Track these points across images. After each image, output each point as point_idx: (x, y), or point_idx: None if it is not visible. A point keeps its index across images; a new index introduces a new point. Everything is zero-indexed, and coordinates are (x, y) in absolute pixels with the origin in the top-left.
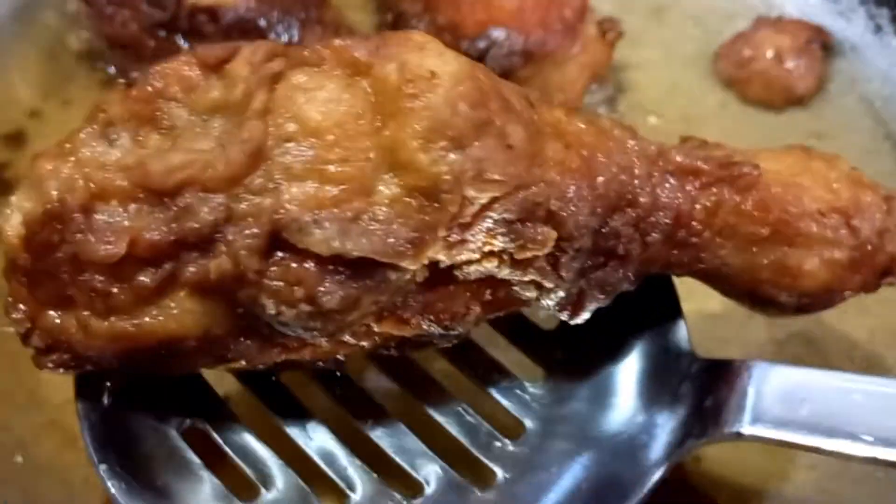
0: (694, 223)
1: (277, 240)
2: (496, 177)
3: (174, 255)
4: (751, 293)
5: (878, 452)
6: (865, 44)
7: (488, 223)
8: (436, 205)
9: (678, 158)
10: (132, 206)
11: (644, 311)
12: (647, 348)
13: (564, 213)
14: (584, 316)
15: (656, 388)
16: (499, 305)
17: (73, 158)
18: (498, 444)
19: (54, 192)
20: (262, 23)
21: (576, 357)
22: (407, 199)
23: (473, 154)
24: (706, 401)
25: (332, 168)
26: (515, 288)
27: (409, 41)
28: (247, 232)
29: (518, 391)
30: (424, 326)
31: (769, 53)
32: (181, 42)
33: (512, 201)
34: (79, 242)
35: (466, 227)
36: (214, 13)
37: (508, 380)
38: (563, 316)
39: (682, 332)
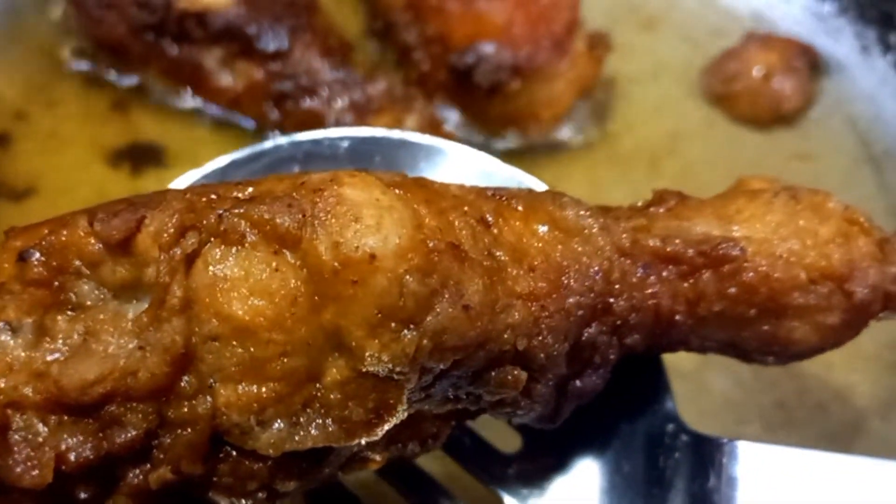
0: (676, 317)
1: (221, 438)
2: (456, 343)
3: (108, 465)
4: (738, 357)
5: None
6: (852, 64)
7: (452, 379)
8: (392, 381)
9: (654, 244)
10: (51, 419)
11: (628, 376)
12: (631, 416)
13: (535, 348)
14: (562, 419)
15: (642, 461)
16: (471, 416)
17: None
18: None
19: None
20: (252, 30)
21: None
22: (360, 379)
23: (429, 328)
24: (694, 484)
25: (270, 364)
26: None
27: (339, 206)
28: (184, 438)
29: (500, 467)
30: (395, 454)
31: (757, 71)
32: (169, 46)
33: (475, 358)
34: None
35: (428, 387)
36: (203, 18)
37: (488, 454)
38: (541, 425)
39: (669, 402)
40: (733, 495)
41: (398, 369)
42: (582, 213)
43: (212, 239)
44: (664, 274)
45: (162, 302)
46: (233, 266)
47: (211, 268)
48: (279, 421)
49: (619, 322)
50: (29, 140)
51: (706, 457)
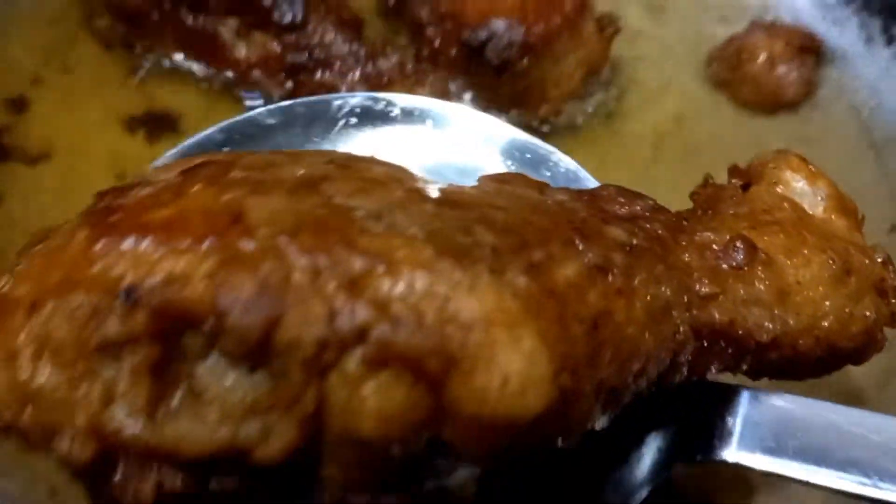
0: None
1: None
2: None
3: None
4: None
5: (869, 491)
6: (856, 53)
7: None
8: None
9: (721, 323)
10: (154, 462)
11: None
12: None
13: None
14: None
15: (644, 405)
16: None
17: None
18: None
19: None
20: (267, 1)
21: None
22: None
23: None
24: (695, 424)
25: (378, 464)
26: None
27: (489, 358)
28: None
29: None
30: None
31: (762, 58)
32: (185, 16)
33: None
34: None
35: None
36: None
37: None
38: None
39: None
40: (735, 432)
41: None
42: (672, 291)
43: (351, 351)
44: (718, 349)
45: (290, 403)
46: (371, 391)
47: (348, 387)
48: (371, 490)
49: (666, 385)
50: (45, 105)
51: (711, 399)
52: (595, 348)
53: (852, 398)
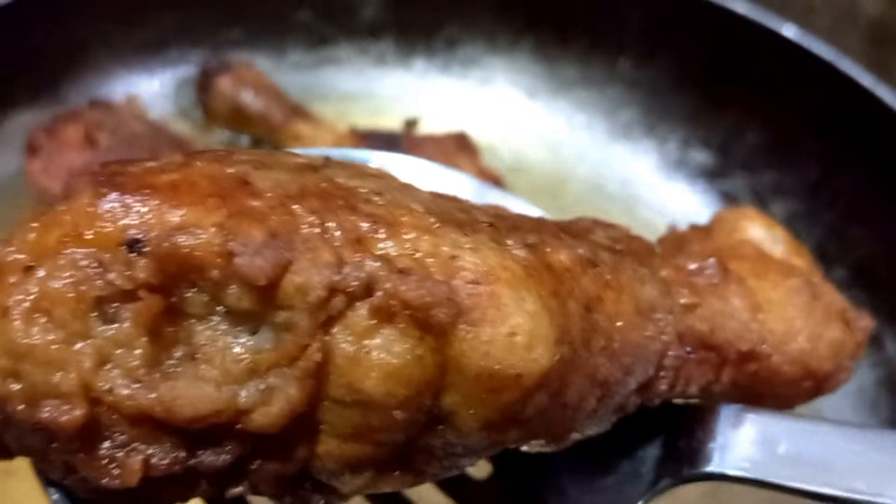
0: (690, 390)
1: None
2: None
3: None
4: None
5: (853, 494)
6: None
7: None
8: None
9: (702, 330)
10: (144, 427)
11: None
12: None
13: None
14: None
15: (628, 430)
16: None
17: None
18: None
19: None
20: None
21: None
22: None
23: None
24: (680, 441)
25: (379, 434)
26: None
27: (493, 309)
28: (273, 469)
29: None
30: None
31: None
32: None
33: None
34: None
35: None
36: None
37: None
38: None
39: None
40: (718, 445)
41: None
42: (656, 293)
43: (357, 303)
44: (701, 358)
45: (294, 357)
46: (378, 345)
47: (354, 339)
48: (368, 472)
49: (652, 395)
50: None
51: (692, 418)
52: (588, 331)
53: None
